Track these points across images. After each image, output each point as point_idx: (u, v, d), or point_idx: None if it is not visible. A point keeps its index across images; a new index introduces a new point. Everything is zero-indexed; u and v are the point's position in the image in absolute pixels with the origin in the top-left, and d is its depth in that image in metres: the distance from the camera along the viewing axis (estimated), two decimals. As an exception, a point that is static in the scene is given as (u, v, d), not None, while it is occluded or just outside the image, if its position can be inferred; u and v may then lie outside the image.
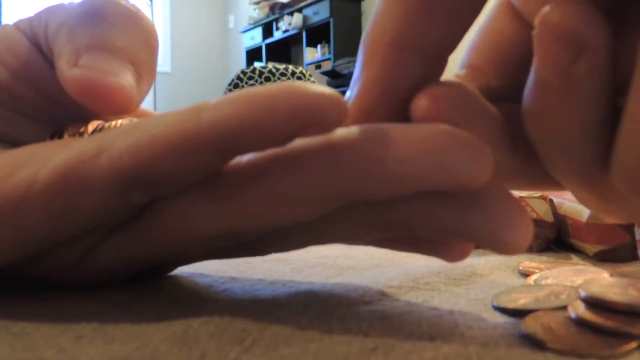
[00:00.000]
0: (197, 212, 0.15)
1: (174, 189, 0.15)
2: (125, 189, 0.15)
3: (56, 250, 0.17)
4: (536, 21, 0.13)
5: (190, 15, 5.35)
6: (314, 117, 0.13)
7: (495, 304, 0.17)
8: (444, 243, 0.17)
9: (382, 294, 0.19)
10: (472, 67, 0.17)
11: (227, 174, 0.15)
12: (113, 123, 0.19)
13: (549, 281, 0.19)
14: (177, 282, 0.20)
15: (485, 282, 0.21)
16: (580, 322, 0.14)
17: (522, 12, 0.16)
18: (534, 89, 0.14)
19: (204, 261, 0.23)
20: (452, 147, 0.13)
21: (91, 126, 0.19)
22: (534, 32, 0.13)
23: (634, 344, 0.13)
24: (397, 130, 0.14)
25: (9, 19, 4.52)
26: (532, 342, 0.14)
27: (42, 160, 0.16)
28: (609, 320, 0.14)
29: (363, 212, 0.15)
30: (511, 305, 0.17)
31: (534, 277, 0.20)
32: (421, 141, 0.13)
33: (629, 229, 0.24)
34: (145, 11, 5.12)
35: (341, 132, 0.14)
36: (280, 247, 0.17)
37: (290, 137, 0.14)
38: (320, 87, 0.13)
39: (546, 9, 0.13)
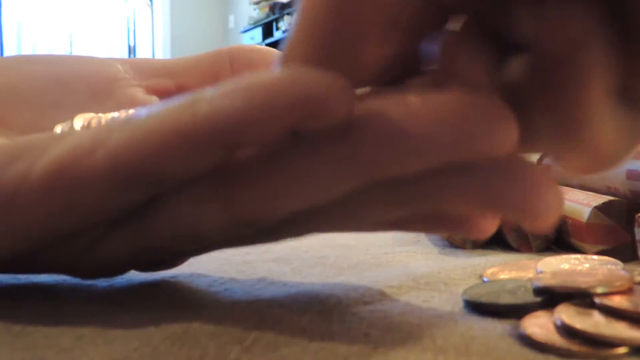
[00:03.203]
0: (207, 205, 0.15)
1: (176, 184, 0.15)
2: (123, 185, 0.14)
3: (56, 245, 0.17)
4: None
5: (190, 15, 5.35)
6: (316, 108, 0.12)
7: (465, 297, 0.17)
8: (469, 218, 0.16)
9: (382, 294, 0.19)
10: None
11: (236, 161, 0.14)
12: (105, 116, 0.19)
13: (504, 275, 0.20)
14: (177, 282, 0.20)
15: (485, 282, 0.21)
16: (564, 329, 0.14)
17: None
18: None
19: (204, 261, 0.23)
20: (476, 114, 0.12)
21: (77, 121, 0.19)
22: None
23: (622, 349, 0.13)
24: (413, 99, 0.13)
25: (9, 19, 4.51)
26: (530, 343, 0.14)
27: (38, 153, 0.15)
28: (591, 328, 0.14)
29: (383, 191, 0.14)
30: (475, 299, 0.17)
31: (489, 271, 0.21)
32: (441, 110, 0.12)
33: (629, 229, 0.24)
34: (145, 11, 5.13)
35: (359, 107, 0.13)
36: (297, 233, 0.17)
37: (293, 130, 0.13)
38: (323, 73, 0.12)
39: None
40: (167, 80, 0.28)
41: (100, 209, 0.15)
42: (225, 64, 0.28)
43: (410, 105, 0.13)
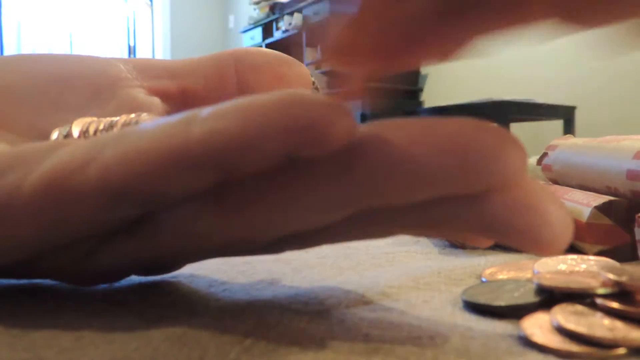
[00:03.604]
0: (204, 224, 0.15)
1: (170, 203, 0.15)
2: (114, 202, 0.14)
3: (50, 255, 0.16)
4: None
5: (190, 15, 5.35)
6: (314, 134, 0.12)
7: (464, 298, 0.17)
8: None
9: (382, 294, 0.19)
10: None
11: (234, 182, 0.14)
12: (104, 121, 0.19)
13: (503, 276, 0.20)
14: (177, 282, 0.20)
15: (485, 282, 0.21)
16: (560, 330, 0.14)
17: None
18: None
19: (204, 261, 0.23)
20: (483, 143, 0.12)
21: (76, 126, 0.19)
22: None
23: (621, 350, 0.13)
24: (419, 127, 0.12)
25: (9, 19, 4.51)
26: (530, 343, 0.14)
27: (30, 165, 0.15)
28: (589, 330, 0.14)
29: (384, 214, 0.14)
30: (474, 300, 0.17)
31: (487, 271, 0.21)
32: (448, 138, 0.12)
33: (629, 229, 0.24)
34: (145, 11, 5.12)
35: (359, 132, 0.13)
36: (295, 247, 0.17)
37: (289, 156, 0.13)
38: (322, 97, 0.12)
39: None
40: (169, 82, 0.28)
41: (91, 223, 0.15)
42: (229, 67, 0.28)
43: (414, 132, 0.12)
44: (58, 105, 0.25)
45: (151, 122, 0.14)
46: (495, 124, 0.12)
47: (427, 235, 0.17)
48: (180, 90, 0.28)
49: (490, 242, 0.16)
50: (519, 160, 0.12)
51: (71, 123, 0.20)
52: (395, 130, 0.12)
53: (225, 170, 0.13)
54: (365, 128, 0.13)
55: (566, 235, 0.13)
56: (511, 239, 0.13)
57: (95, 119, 0.20)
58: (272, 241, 0.16)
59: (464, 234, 0.16)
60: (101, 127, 0.22)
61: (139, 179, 0.13)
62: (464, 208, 0.13)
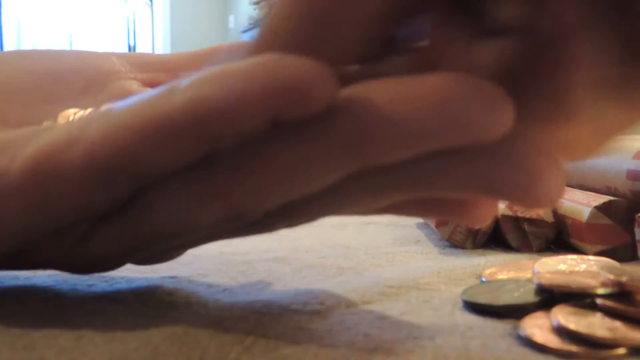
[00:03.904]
0: (193, 199, 0.14)
1: (159, 178, 0.14)
2: (102, 180, 0.14)
3: (43, 242, 0.16)
4: None
5: (190, 15, 5.35)
6: (296, 95, 0.12)
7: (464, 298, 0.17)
8: (466, 203, 0.15)
9: (382, 294, 0.19)
10: None
11: (221, 154, 0.14)
12: (89, 111, 0.19)
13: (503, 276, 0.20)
14: (177, 282, 0.20)
15: (485, 282, 0.21)
16: (560, 330, 0.14)
17: None
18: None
19: (204, 261, 0.23)
20: (465, 96, 0.12)
21: (62, 117, 0.19)
22: None
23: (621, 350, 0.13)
24: (398, 84, 0.12)
25: (9, 19, 4.51)
26: (530, 343, 0.14)
27: (17, 148, 0.15)
28: (589, 329, 0.14)
29: (374, 177, 0.13)
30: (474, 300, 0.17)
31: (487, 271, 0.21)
32: (428, 94, 0.12)
33: (629, 229, 0.24)
34: (145, 11, 5.13)
35: (341, 94, 0.12)
36: (289, 222, 0.16)
37: (273, 119, 0.12)
38: (303, 59, 0.12)
39: None
40: (163, 75, 0.28)
41: (81, 204, 0.15)
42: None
43: (395, 90, 0.12)
44: (50, 99, 0.25)
45: (132, 97, 0.14)
46: (476, 78, 0.12)
47: (419, 210, 0.16)
48: None
49: (488, 218, 0.16)
50: (504, 111, 0.12)
51: (57, 115, 0.20)
52: (377, 89, 0.12)
53: (210, 138, 0.13)
54: (347, 89, 0.13)
55: (559, 189, 0.13)
56: (504, 193, 0.13)
57: (80, 110, 0.20)
58: (260, 217, 0.15)
59: (457, 206, 0.15)
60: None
61: (125, 154, 0.13)
62: (453, 163, 0.13)
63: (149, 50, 5.18)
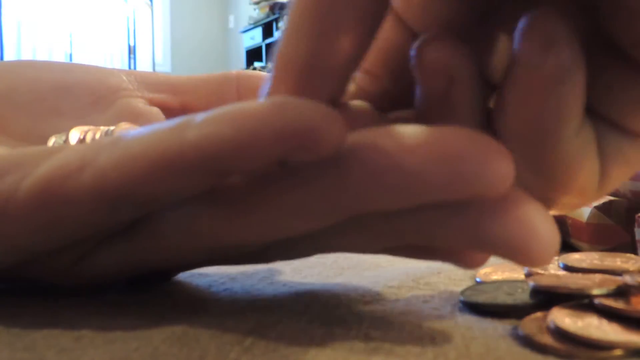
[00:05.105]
0: (198, 227, 0.15)
1: (165, 206, 0.15)
2: (109, 206, 0.14)
3: (43, 258, 0.17)
4: (411, 53, 0.14)
5: (190, 15, 5.35)
6: (305, 139, 0.12)
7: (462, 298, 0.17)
8: (461, 251, 0.16)
9: (382, 294, 0.19)
10: (366, 72, 0.16)
11: (229, 187, 0.14)
12: (102, 129, 0.19)
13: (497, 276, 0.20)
14: (177, 282, 0.21)
15: (485, 282, 0.21)
16: (557, 331, 0.14)
17: (405, 21, 0.16)
18: (419, 103, 0.15)
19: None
20: (472, 152, 0.12)
21: (73, 134, 0.19)
22: (411, 63, 0.14)
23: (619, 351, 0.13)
24: (410, 134, 0.12)
25: (9, 19, 4.52)
26: (530, 344, 0.14)
27: (27, 168, 0.15)
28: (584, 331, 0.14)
29: (374, 222, 0.14)
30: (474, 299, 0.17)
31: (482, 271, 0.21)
32: (437, 147, 0.12)
33: (629, 229, 0.24)
34: (145, 11, 5.13)
35: (349, 139, 0.13)
36: (286, 256, 0.17)
37: (281, 160, 0.13)
38: (314, 103, 0.12)
39: (418, 43, 0.14)
40: (170, 97, 0.28)
41: (86, 227, 0.15)
42: (231, 88, 0.28)
43: (404, 139, 0.12)
44: (56, 112, 0.25)
45: (146, 127, 0.14)
46: (484, 134, 0.12)
47: (415, 253, 0.17)
48: (181, 106, 0.28)
49: (482, 263, 0.16)
50: (506, 169, 0.12)
51: (68, 131, 0.20)
52: (386, 137, 0.13)
53: (219, 174, 0.13)
54: (356, 134, 0.13)
55: (553, 248, 0.13)
56: (499, 250, 0.13)
57: (92, 127, 0.20)
58: (262, 247, 0.16)
59: (453, 253, 0.16)
60: (98, 135, 0.22)
61: (134, 184, 0.14)
62: (452, 216, 0.13)
63: (149, 50, 5.18)
